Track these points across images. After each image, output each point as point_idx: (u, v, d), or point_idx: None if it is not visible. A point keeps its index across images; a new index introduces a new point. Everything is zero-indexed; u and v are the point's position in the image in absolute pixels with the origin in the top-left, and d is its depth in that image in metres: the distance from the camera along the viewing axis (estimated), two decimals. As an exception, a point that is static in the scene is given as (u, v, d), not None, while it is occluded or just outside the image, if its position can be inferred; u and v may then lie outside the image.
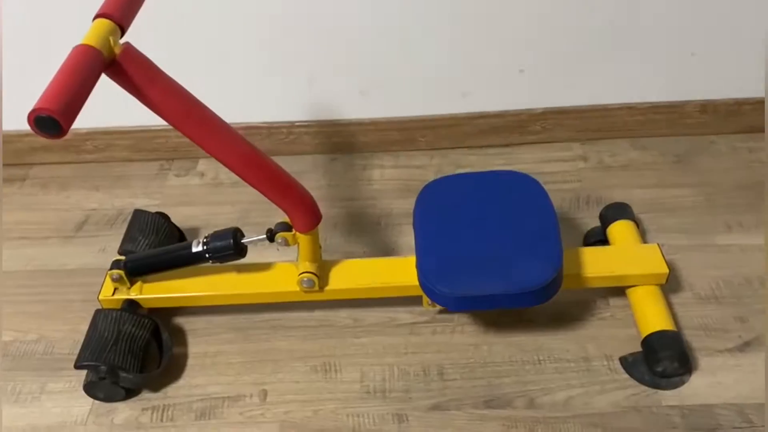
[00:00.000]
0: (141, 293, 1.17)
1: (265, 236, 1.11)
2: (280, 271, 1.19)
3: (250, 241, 1.11)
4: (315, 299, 1.18)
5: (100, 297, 1.17)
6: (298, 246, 1.12)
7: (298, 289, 1.15)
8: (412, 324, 1.22)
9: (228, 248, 1.10)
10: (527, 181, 1.18)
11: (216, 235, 1.11)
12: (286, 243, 1.11)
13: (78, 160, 1.59)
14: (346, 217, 1.43)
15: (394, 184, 1.51)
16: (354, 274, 1.18)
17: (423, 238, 1.12)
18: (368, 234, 1.40)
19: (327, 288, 1.16)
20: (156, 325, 1.16)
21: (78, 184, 1.55)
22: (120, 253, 1.23)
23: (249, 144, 1.01)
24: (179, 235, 1.33)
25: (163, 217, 1.31)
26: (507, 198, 1.16)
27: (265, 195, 1.05)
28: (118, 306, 1.17)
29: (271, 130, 1.55)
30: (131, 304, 1.17)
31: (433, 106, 1.52)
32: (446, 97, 1.51)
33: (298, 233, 1.10)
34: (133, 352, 1.10)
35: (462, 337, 1.19)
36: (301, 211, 1.07)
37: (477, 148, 1.57)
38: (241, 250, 1.11)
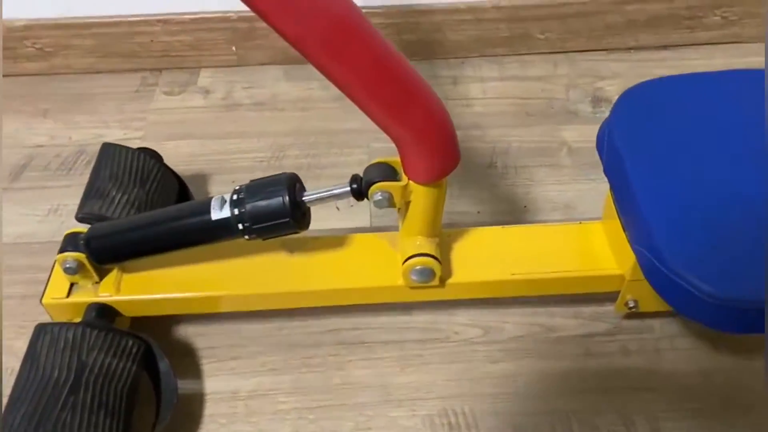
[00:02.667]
0: (118, 292, 0.66)
1: (348, 188, 0.60)
2: (364, 249, 0.67)
3: (320, 198, 0.60)
4: (428, 299, 0.68)
5: (45, 300, 0.66)
6: (406, 208, 0.61)
7: (401, 283, 0.65)
8: (585, 337, 0.72)
9: (280, 212, 0.58)
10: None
11: (255, 189, 0.59)
12: (389, 202, 0.59)
13: (14, 70, 1.04)
14: (438, 155, 0.92)
15: (503, 104, 0.99)
16: (496, 254, 0.67)
17: (645, 187, 0.60)
18: (479, 182, 0.88)
19: (450, 281, 0.66)
20: (147, 347, 0.65)
21: (15, 107, 1.01)
22: (79, 219, 0.70)
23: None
24: (179, 188, 0.81)
25: (153, 156, 0.78)
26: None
27: (373, 115, 0.53)
28: (79, 317, 0.66)
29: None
30: (101, 313, 0.65)
31: (560, -16, 1.00)
32: (582, -29, 0.99)
33: (413, 183, 0.58)
34: (108, 408, 0.59)
35: (675, 360, 0.70)
36: (433, 144, 0.55)
37: (622, 51, 1.05)
38: (302, 216, 0.60)
